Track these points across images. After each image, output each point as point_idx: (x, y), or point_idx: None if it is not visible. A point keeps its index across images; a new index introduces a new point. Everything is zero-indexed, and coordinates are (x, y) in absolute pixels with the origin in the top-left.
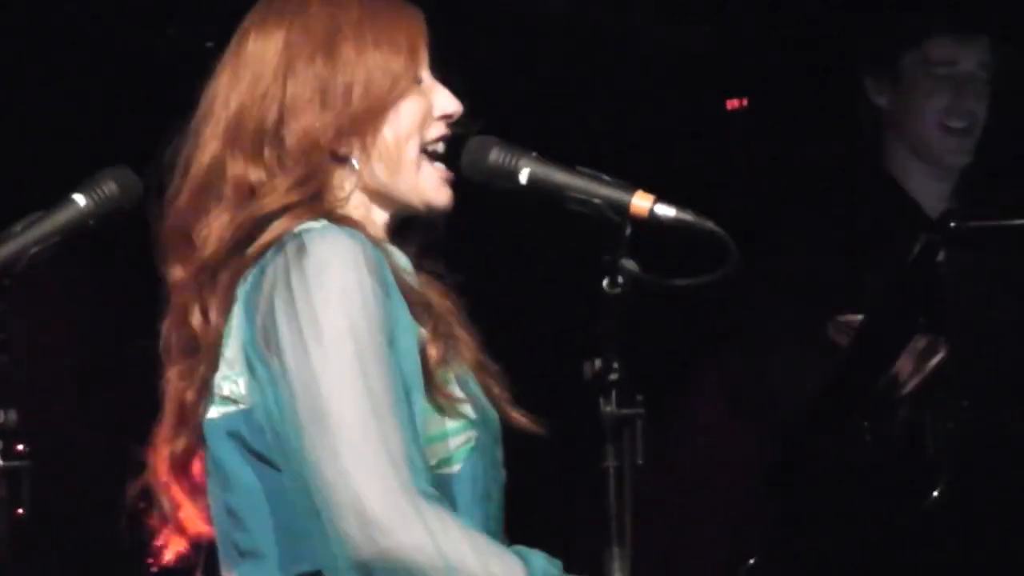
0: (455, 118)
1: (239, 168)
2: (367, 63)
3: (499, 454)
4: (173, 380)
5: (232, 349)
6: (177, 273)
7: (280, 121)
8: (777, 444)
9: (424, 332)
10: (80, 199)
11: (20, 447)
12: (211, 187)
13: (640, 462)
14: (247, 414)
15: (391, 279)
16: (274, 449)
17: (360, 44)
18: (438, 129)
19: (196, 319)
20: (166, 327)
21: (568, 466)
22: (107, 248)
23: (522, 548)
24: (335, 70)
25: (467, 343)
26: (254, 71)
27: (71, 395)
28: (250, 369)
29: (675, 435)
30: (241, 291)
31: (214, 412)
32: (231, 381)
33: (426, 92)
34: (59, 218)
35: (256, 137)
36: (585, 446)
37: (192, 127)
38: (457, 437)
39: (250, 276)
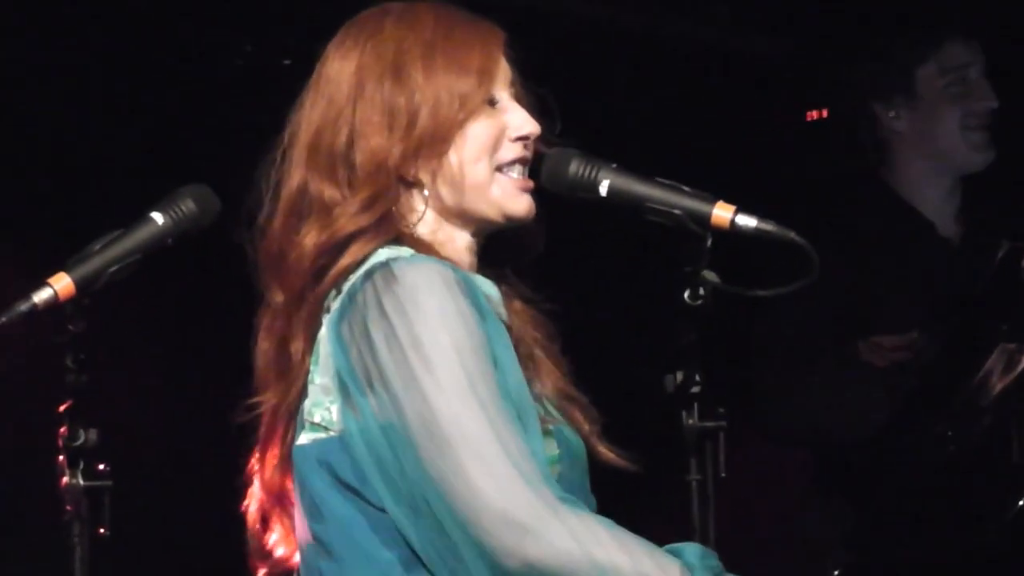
0: (532, 139)
1: (318, 189)
2: (434, 85)
3: (587, 482)
4: (268, 404)
5: (323, 376)
6: (277, 296)
7: (350, 143)
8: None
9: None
10: (159, 217)
11: (101, 466)
12: (299, 209)
13: (723, 474)
14: (339, 441)
15: (484, 303)
16: (369, 476)
17: (428, 66)
18: (513, 151)
19: (290, 344)
20: (262, 350)
21: (653, 479)
22: (189, 269)
23: (675, 545)
24: (402, 93)
25: (550, 372)
26: (330, 93)
27: (154, 415)
28: (344, 396)
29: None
30: (328, 319)
31: (304, 439)
32: (322, 408)
33: (500, 113)
34: (137, 236)
35: (330, 159)
36: (670, 459)
37: (281, 150)
38: (555, 466)
39: (335, 303)
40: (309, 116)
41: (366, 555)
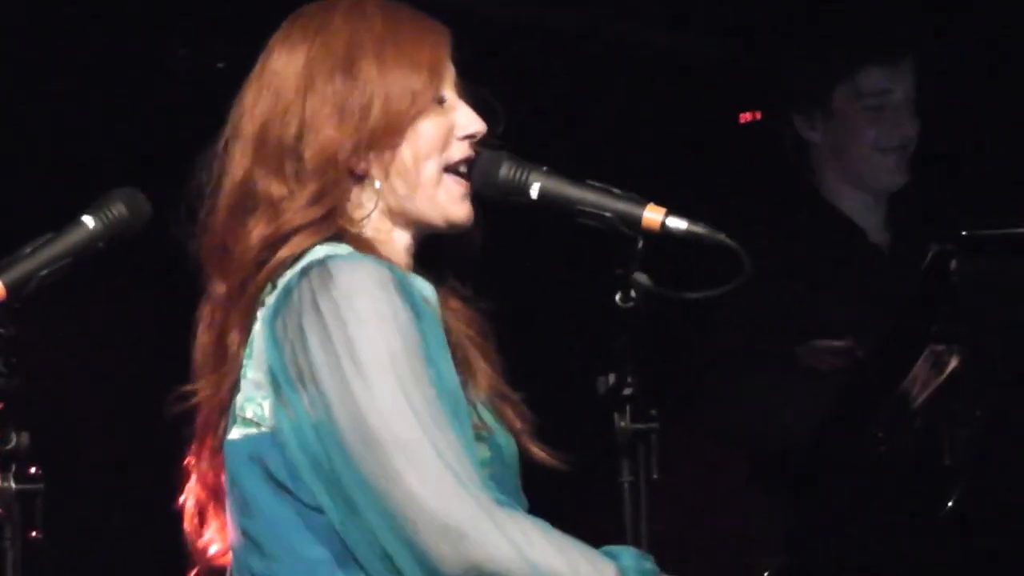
0: (479, 138)
1: (264, 184)
2: (386, 81)
3: (519, 483)
4: (202, 396)
5: (256, 371)
6: (219, 288)
7: (299, 137)
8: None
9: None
10: (89, 221)
11: (33, 470)
12: (244, 203)
13: (655, 476)
14: (270, 437)
15: (421, 302)
16: (302, 474)
17: (380, 61)
18: (461, 150)
19: (227, 336)
20: (201, 343)
21: (583, 481)
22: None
23: (612, 547)
24: (354, 87)
25: (484, 371)
26: (277, 87)
27: (84, 417)
28: (276, 393)
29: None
30: (262, 314)
31: (235, 434)
32: (255, 403)
33: (448, 111)
34: (68, 240)
35: (277, 152)
36: (600, 461)
37: (221, 146)
38: (485, 468)
39: (271, 298)
40: (253, 110)
41: (296, 553)
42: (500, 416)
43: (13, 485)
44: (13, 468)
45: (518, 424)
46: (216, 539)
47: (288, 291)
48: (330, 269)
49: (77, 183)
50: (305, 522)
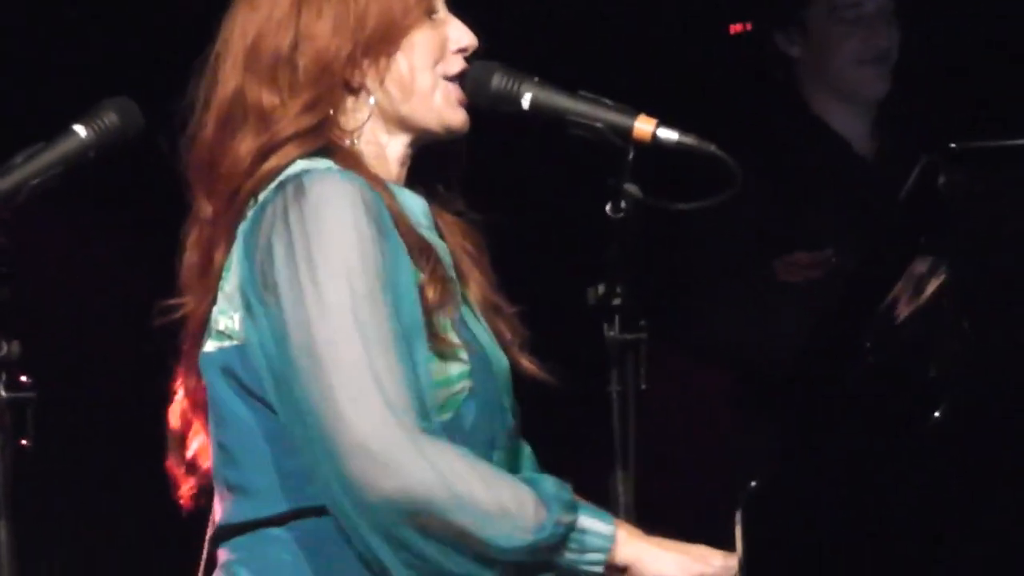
0: (470, 51)
1: (256, 94)
2: None
3: (507, 400)
4: (188, 309)
5: (231, 284)
6: (205, 206)
7: (294, 46)
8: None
9: (422, 276)
10: (81, 130)
11: (24, 378)
12: (234, 116)
13: (644, 386)
14: (241, 350)
15: (389, 221)
16: (268, 387)
17: None
18: (456, 63)
19: (214, 251)
20: (188, 261)
21: (573, 390)
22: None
23: (531, 475)
24: None
25: (478, 282)
26: (271, 3)
27: (76, 326)
28: (246, 306)
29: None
30: (241, 228)
31: (210, 346)
32: (227, 316)
33: (440, 25)
34: (60, 149)
35: (272, 63)
36: (590, 370)
37: (211, 61)
38: (457, 384)
39: (250, 213)
40: (246, 21)
41: (269, 463)
42: (493, 328)
43: (4, 393)
44: (4, 377)
45: (508, 336)
46: (203, 453)
47: (264, 205)
48: (304, 183)
49: (66, 92)
50: (277, 434)
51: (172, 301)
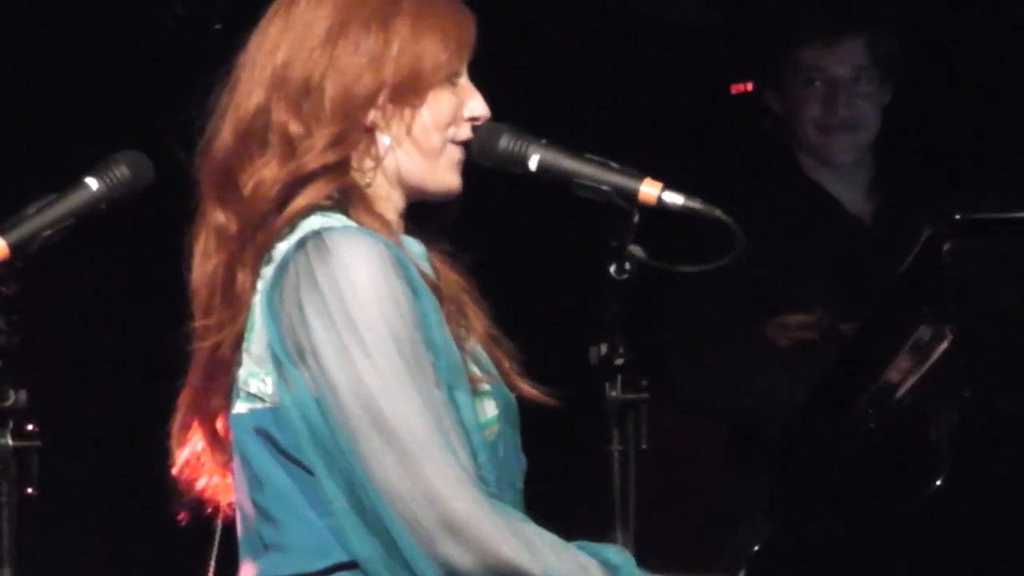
0: (481, 122)
1: (281, 117)
2: (418, 43)
3: (518, 439)
4: (205, 331)
5: (257, 346)
6: (218, 216)
7: (323, 77)
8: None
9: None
10: (92, 182)
11: (30, 427)
12: (256, 133)
13: (644, 446)
14: (275, 412)
15: (415, 275)
16: (306, 450)
17: (415, 24)
18: (465, 130)
19: (238, 272)
20: (205, 272)
21: (573, 449)
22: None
23: (590, 544)
24: (388, 40)
25: (477, 316)
26: (306, 25)
27: (80, 376)
28: (278, 369)
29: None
30: (261, 287)
31: (241, 407)
32: (258, 379)
33: (460, 92)
34: (72, 201)
35: (300, 88)
36: (591, 430)
37: (235, 70)
38: (494, 425)
39: (269, 270)
40: (278, 39)
41: (305, 520)
42: (493, 358)
43: (10, 442)
44: (11, 425)
45: (507, 364)
46: (212, 489)
47: (284, 265)
48: (326, 242)
49: (77, 142)
50: (313, 493)
51: (198, 324)
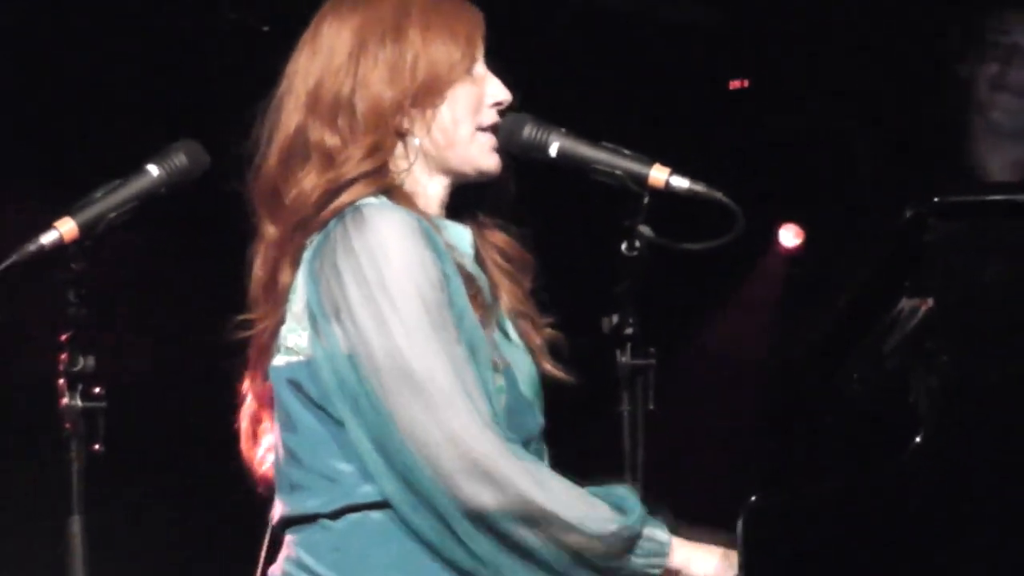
0: (505, 105)
1: (318, 134)
2: (430, 47)
3: (537, 405)
4: (259, 326)
5: (298, 305)
6: (270, 229)
7: (352, 92)
8: (771, 392)
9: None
10: (153, 169)
11: (97, 390)
12: (296, 151)
13: (651, 407)
14: (308, 364)
15: (443, 247)
16: (335, 399)
17: (425, 31)
18: (490, 116)
19: (280, 273)
20: (257, 278)
21: (588, 410)
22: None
23: (599, 487)
24: (402, 51)
25: (509, 291)
26: (330, 49)
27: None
28: (313, 324)
29: (682, 382)
30: (306, 254)
31: (279, 360)
32: (295, 333)
33: (479, 81)
34: (135, 186)
35: (332, 106)
36: (604, 393)
37: (275, 102)
38: (501, 396)
39: (315, 241)
40: (308, 68)
41: (328, 465)
42: (522, 334)
43: (80, 403)
44: (80, 388)
45: (536, 341)
46: (268, 457)
47: (327, 234)
48: (364, 213)
49: (135, 135)
50: (336, 439)
51: (243, 316)
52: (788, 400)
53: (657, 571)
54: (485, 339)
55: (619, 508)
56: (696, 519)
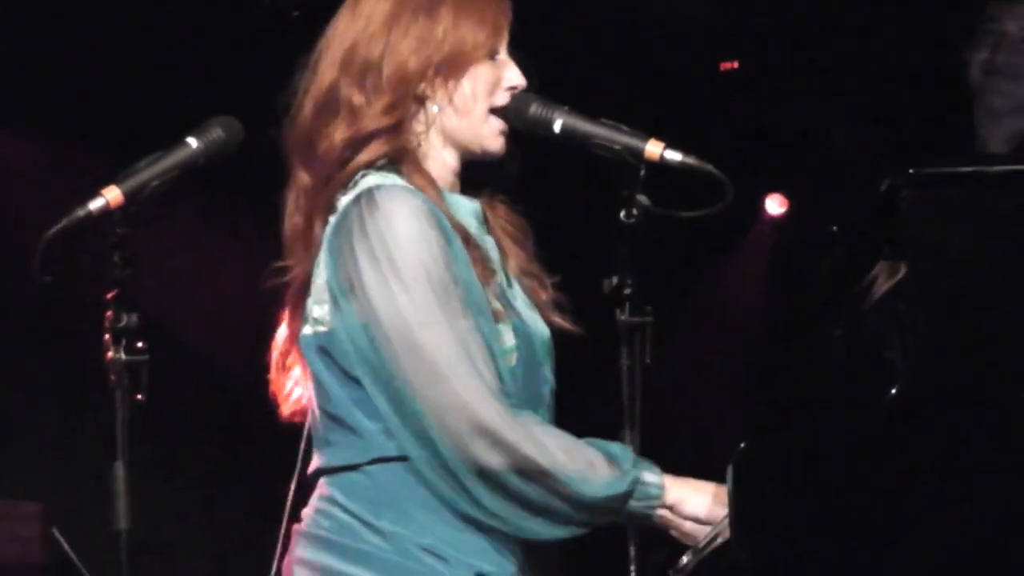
0: (519, 90)
1: (348, 91)
2: (459, 26)
3: (547, 364)
4: (295, 272)
5: (320, 279)
6: (303, 177)
7: (382, 57)
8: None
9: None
10: (193, 141)
11: (140, 344)
12: (328, 106)
13: (648, 361)
14: (330, 335)
15: (448, 225)
16: (356, 367)
17: (456, 10)
18: (504, 98)
19: (315, 221)
20: (293, 223)
21: (591, 364)
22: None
23: (598, 441)
24: (433, 25)
25: (516, 255)
26: (368, 16)
27: (184, 301)
28: (333, 300)
29: (678, 339)
30: (326, 233)
31: (308, 329)
32: (320, 306)
33: (500, 65)
34: (175, 157)
35: (362, 68)
36: (604, 348)
37: (314, 57)
38: (511, 354)
39: (333, 219)
40: (344, 32)
41: (358, 423)
42: (529, 292)
43: (124, 356)
44: (124, 342)
45: (543, 296)
46: (298, 385)
47: (344, 215)
48: (375, 196)
49: (180, 108)
50: (360, 401)
51: (279, 264)
52: (774, 355)
53: (653, 511)
54: (492, 305)
55: (614, 459)
56: (690, 465)
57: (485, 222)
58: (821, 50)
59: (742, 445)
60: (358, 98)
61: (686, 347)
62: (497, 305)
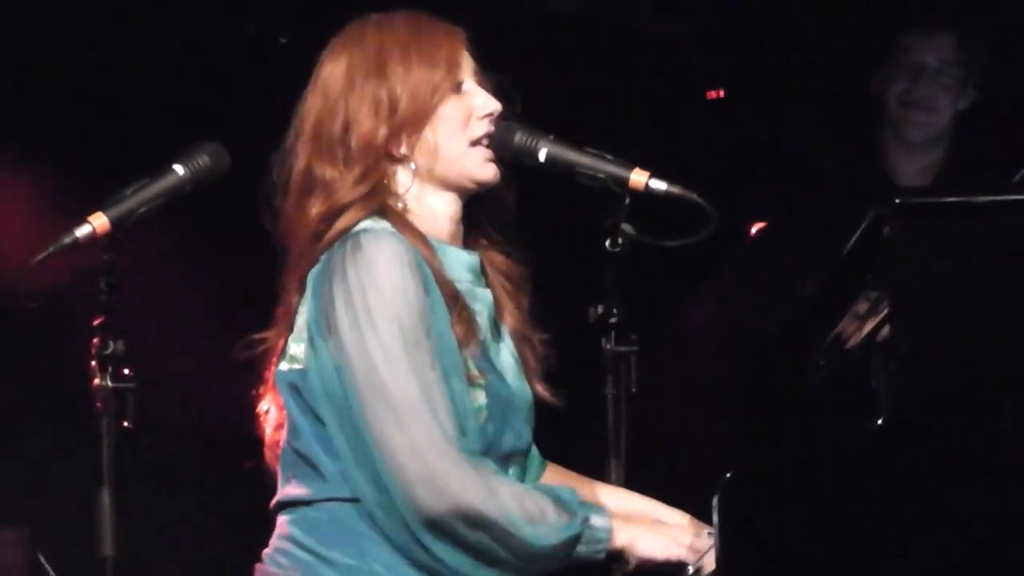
0: (495, 115)
1: (320, 169)
2: (410, 77)
3: (525, 422)
4: (271, 342)
5: (303, 318)
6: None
7: (345, 129)
8: (742, 375)
9: (452, 319)
10: (179, 168)
11: (126, 371)
12: (305, 187)
13: (634, 390)
14: (303, 373)
15: (429, 275)
16: (323, 408)
17: (405, 62)
18: (481, 127)
19: (292, 295)
20: (283, 299)
21: (577, 393)
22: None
23: (546, 486)
24: (385, 85)
25: (512, 315)
26: (325, 91)
27: (170, 329)
28: (310, 340)
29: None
30: (312, 272)
31: (283, 365)
32: (297, 344)
33: (467, 96)
34: (162, 184)
35: (329, 143)
36: (589, 377)
37: (288, 144)
38: (483, 412)
39: (320, 262)
40: (309, 109)
41: (320, 461)
42: (521, 356)
43: (110, 383)
44: (110, 369)
45: (532, 364)
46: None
47: (331, 256)
48: (360, 241)
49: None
50: (323, 440)
51: (257, 336)
52: (759, 383)
53: (601, 555)
54: (468, 366)
55: (562, 503)
56: (675, 493)
57: (483, 273)
58: (809, 77)
59: (728, 475)
60: (331, 173)
61: (671, 374)
62: (473, 369)
